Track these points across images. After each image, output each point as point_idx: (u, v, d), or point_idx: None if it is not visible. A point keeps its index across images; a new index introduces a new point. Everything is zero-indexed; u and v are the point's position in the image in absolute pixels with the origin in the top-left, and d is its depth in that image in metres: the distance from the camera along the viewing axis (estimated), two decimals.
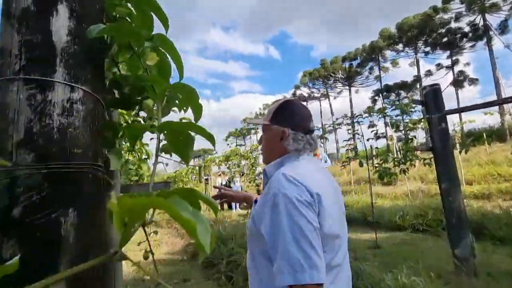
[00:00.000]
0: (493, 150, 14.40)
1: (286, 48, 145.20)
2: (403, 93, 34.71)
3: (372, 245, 4.69)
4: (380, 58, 36.85)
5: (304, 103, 1.10)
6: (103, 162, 0.71)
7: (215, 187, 1.49)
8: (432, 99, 3.52)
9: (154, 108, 0.86)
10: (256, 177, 9.63)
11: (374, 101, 36.87)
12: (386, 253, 4.24)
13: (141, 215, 0.36)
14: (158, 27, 0.81)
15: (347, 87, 42.64)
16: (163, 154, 0.73)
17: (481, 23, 26.72)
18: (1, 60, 0.62)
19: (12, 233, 0.53)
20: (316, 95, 48.72)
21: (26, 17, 0.62)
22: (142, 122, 1.26)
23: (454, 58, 30.45)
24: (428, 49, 32.35)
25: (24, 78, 0.59)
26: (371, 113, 5.10)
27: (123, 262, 4.23)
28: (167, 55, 0.85)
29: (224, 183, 10.13)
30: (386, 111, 4.77)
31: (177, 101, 0.87)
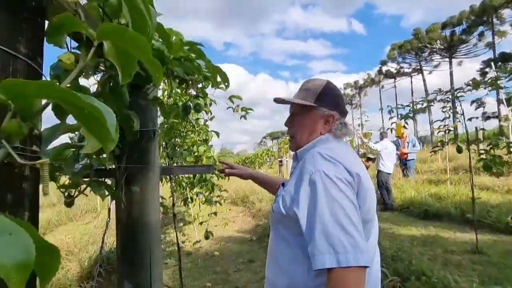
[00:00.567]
0: None
1: (372, 21, 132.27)
2: None
3: (470, 249, 3.83)
4: (494, 20, 29.89)
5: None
6: None
7: (221, 161, 1.50)
8: None
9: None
10: None
11: (483, 74, 30.45)
12: (490, 262, 3.39)
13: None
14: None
15: (447, 59, 36.31)
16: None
17: None
18: None
19: None
20: (406, 70, 43.22)
21: None
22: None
23: None
24: None
25: None
26: (479, 86, 3.98)
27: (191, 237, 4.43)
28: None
29: None
30: (501, 81, 3.63)
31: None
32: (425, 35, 36.80)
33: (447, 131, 4.30)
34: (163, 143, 2.64)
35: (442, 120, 4.24)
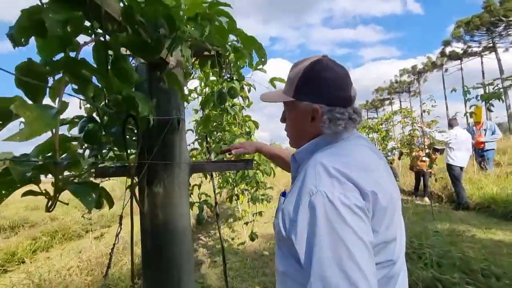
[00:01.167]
0: None
1: None
2: None
3: None
4: None
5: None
6: None
7: (222, 151, 1.36)
8: None
9: None
10: (389, 153, 8.24)
11: None
12: None
13: None
14: None
15: None
16: None
17: None
18: None
19: None
20: (475, 49, 38.19)
21: None
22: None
23: None
24: None
25: None
26: None
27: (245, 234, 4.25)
28: None
29: None
30: None
31: None
32: (499, 6, 31.92)
33: None
34: (205, 136, 2.47)
35: None
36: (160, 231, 1.07)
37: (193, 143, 2.73)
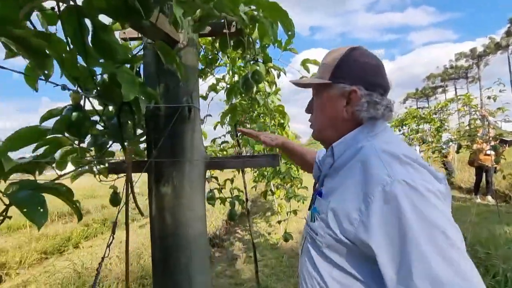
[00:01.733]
0: None
1: None
2: None
3: None
4: None
5: None
6: None
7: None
8: None
9: None
10: (444, 146, 7.41)
11: None
12: None
13: None
14: None
15: None
16: None
17: None
18: None
19: None
20: None
21: None
22: None
23: None
24: None
25: None
26: None
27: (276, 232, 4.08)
28: None
29: None
30: None
31: None
32: None
33: None
34: (234, 128, 2.31)
35: None
36: (168, 237, 0.92)
37: (224, 135, 2.60)
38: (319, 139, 0.84)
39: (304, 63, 1.30)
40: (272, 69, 1.52)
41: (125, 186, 0.73)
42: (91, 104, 0.75)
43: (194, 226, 0.96)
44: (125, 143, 0.78)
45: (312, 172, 1.22)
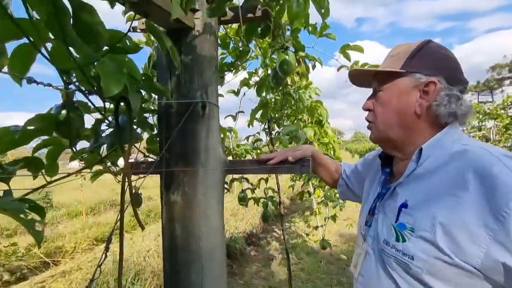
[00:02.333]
0: None
1: None
2: None
3: None
4: None
5: None
6: None
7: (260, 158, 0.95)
8: None
9: None
10: None
11: None
12: None
13: None
14: None
15: None
16: None
17: None
18: None
19: None
20: None
21: None
22: None
23: None
24: None
25: None
26: None
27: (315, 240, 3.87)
28: None
29: None
30: None
31: None
32: None
33: None
34: (266, 126, 2.17)
35: None
36: (178, 250, 0.81)
37: (258, 133, 2.47)
38: (381, 140, 0.74)
39: (344, 49, 1.10)
40: (309, 59, 1.34)
41: (121, 193, 0.64)
42: (89, 101, 0.65)
43: (209, 239, 0.84)
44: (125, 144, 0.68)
45: (337, 187, 1.08)
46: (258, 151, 2.57)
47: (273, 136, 2.10)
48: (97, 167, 0.82)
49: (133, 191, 0.79)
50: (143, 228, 0.72)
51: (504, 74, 52.62)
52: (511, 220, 0.49)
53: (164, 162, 0.85)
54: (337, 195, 2.43)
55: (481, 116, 7.36)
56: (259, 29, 1.12)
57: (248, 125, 2.59)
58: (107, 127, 0.76)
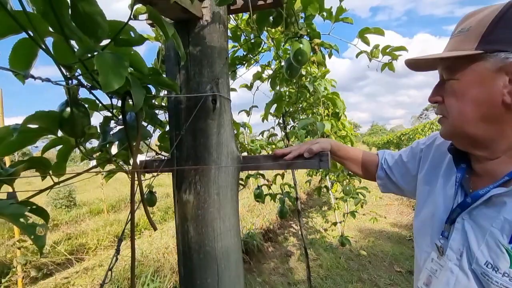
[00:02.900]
0: None
1: None
2: None
3: None
4: None
5: None
6: None
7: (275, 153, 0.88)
8: None
9: None
10: None
11: None
12: None
13: None
14: None
15: None
16: None
17: None
18: None
19: None
20: None
21: None
22: None
23: None
24: None
25: None
26: None
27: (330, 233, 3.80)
28: None
29: None
30: None
31: None
32: None
33: None
34: (280, 120, 2.11)
35: None
36: (192, 252, 0.78)
37: (273, 128, 2.42)
38: (455, 136, 0.62)
39: (363, 33, 1.02)
40: (325, 48, 1.27)
41: (130, 193, 0.61)
42: (95, 96, 0.62)
43: (224, 239, 0.80)
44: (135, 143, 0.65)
45: (377, 181, 0.96)
46: (273, 146, 2.52)
47: (288, 130, 2.05)
48: (109, 166, 0.80)
49: (144, 190, 0.77)
50: (155, 229, 0.69)
51: None
52: None
53: (175, 160, 0.81)
54: (357, 190, 2.35)
55: None
56: (271, 17, 1.07)
57: (263, 120, 2.54)
58: (116, 125, 0.73)
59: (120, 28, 0.52)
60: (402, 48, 1.03)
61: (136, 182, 0.66)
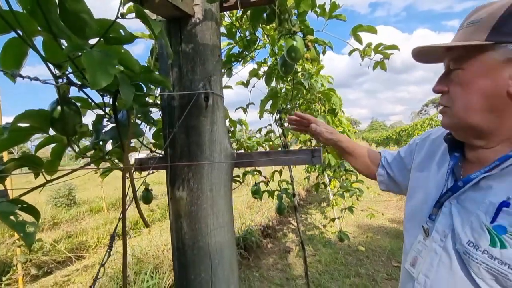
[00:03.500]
0: None
1: None
2: None
3: None
4: None
5: None
6: None
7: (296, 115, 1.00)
8: None
9: None
10: None
11: None
12: None
13: None
14: None
15: None
16: None
17: None
18: None
19: None
20: None
21: None
22: None
23: None
24: None
25: None
26: None
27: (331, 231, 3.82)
28: None
29: None
30: None
31: None
32: None
33: None
34: (277, 117, 2.11)
35: None
36: (186, 248, 0.79)
37: (270, 125, 2.42)
38: (459, 127, 0.62)
39: (355, 31, 1.03)
40: (319, 44, 1.27)
41: (122, 191, 0.61)
42: (87, 95, 0.63)
43: (217, 235, 0.81)
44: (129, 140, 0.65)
45: (377, 178, 0.97)
46: (270, 143, 2.53)
47: (285, 127, 2.05)
48: (104, 165, 0.80)
49: (139, 187, 0.77)
50: (147, 226, 0.69)
51: None
52: None
53: (168, 157, 0.82)
54: (353, 185, 2.36)
55: None
56: (265, 14, 1.07)
57: (260, 117, 2.55)
58: (108, 123, 0.74)
59: (108, 26, 0.52)
60: (394, 47, 1.04)
61: (129, 180, 0.67)
